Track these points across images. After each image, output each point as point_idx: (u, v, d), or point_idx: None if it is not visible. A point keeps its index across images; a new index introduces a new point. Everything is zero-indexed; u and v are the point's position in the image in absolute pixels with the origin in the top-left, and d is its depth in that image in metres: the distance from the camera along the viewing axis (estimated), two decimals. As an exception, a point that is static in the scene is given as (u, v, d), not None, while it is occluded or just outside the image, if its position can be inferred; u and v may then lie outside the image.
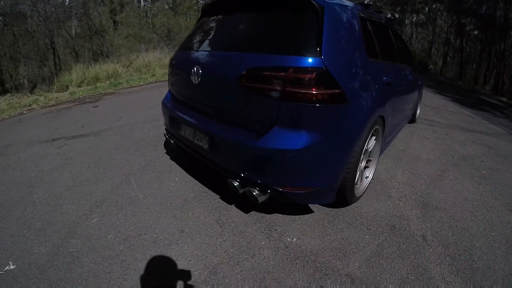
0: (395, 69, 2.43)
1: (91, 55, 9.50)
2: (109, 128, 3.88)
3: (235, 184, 1.75)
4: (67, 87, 6.53)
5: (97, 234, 1.82)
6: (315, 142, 1.52)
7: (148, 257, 1.65)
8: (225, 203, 2.16)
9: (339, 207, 2.04)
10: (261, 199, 1.63)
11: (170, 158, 2.87)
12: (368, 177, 2.19)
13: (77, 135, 3.70)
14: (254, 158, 1.61)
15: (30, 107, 5.07)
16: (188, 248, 1.72)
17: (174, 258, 1.65)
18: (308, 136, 1.48)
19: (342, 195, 1.92)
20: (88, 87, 6.68)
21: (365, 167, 2.11)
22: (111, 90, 6.60)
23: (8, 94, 6.01)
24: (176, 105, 2.19)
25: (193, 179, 2.48)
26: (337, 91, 1.49)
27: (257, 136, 1.56)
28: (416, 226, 1.89)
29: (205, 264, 1.56)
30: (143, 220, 1.95)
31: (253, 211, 2.06)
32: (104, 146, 3.28)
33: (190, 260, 1.64)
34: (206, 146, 1.84)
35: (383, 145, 2.30)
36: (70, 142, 3.48)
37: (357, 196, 2.12)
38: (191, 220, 1.97)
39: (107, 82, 7.16)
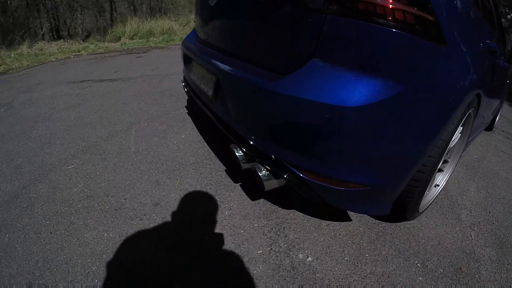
0: (496, 41, 1.87)
1: (148, 10, 10.05)
2: (140, 76, 3.87)
3: (237, 154, 1.29)
4: (119, 38, 7.05)
5: (64, 184, 1.69)
6: (384, 102, 0.89)
7: (100, 228, 1.35)
8: (229, 179, 1.68)
9: (390, 221, 1.50)
10: (270, 185, 1.16)
11: (187, 113, 2.56)
12: (438, 185, 1.70)
13: (105, 79, 3.80)
14: (269, 114, 1.08)
15: (78, 53, 5.56)
16: (152, 231, 1.32)
17: (126, 239, 1.29)
18: (373, 87, 0.89)
19: (402, 207, 1.25)
20: (140, 40, 7.04)
21: (439, 170, 1.59)
22: (162, 45, 6.81)
23: (61, 40, 6.77)
24: (193, 41, 1.96)
25: (202, 140, 2.08)
26: (430, 18, 0.91)
27: (280, 77, 1.04)
28: (489, 275, 1.32)
29: (160, 268, 1.12)
30: (119, 178, 1.67)
31: (262, 200, 1.52)
32: (126, 91, 3.26)
33: (143, 251, 1.22)
34: (210, 93, 1.50)
35: (466, 143, 1.81)
36: (95, 84, 3.59)
37: (419, 210, 1.43)
38: (174, 191, 1.58)
39: (160, 37, 7.42)
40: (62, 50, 5.66)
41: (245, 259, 1.20)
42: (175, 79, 3.76)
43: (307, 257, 1.23)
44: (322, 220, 1.41)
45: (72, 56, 5.47)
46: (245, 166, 1.27)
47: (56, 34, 8.76)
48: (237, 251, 1.23)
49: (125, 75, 4.00)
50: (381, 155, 0.98)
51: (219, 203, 1.50)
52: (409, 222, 1.49)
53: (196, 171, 1.75)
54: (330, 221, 1.41)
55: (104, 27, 8.95)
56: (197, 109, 2.67)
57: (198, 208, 1.46)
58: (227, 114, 1.38)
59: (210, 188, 1.60)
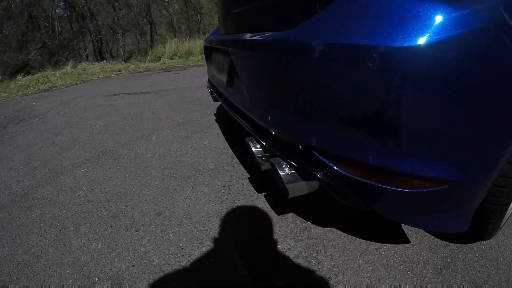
0: None
1: (187, 31, 10.81)
2: (173, 89, 3.98)
3: (254, 150, 1.10)
4: (159, 58, 7.56)
5: (71, 187, 1.68)
6: (474, 32, 0.58)
7: (90, 236, 1.23)
8: (252, 188, 1.46)
9: (459, 242, 1.10)
10: (295, 190, 0.90)
11: (215, 120, 2.45)
12: None
13: (138, 92, 3.98)
14: (287, 79, 0.84)
15: (119, 72, 6.04)
16: (145, 246, 1.13)
17: (114, 251, 1.12)
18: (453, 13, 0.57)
19: (483, 219, 0.88)
20: (180, 60, 7.48)
21: None
22: (200, 63, 7.12)
23: (104, 61, 7.45)
24: (214, 35, 1.95)
25: (227, 146, 1.93)
26: None
27: (298, 21, 0.80)
28: None
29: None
30: (127, 184, 1.59)
31: (290, 214, 1.26)
32: (156, 102, 3.35)
33: (133, 265, 1.04)
34: (225, 79, 1.40)
35: None
36: (128, 97, 3.77)
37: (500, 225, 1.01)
38: (183, 200, 1.40)
39: (199, 56, 7.81)
40: (104, 69, 6.20)
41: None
42: (207, 90, 3.77)
43: (349, 292, 0.92)
44: (369, 242, 1.08)
45: (113, 75, 5.94)
46: (264, 165, 1.06)
47: (99, 56, 9.85)
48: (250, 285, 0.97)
49: (158, 88, 4.17)
50: (466, 132, 0.66)
51: (235, 216, 1.28)
52: (484, 242, 1.09)
53: (214, 179, 1.56)
54: (380, 244, 1.08)
55: (144, 48, 9.82)
56: (225, 113, 2.60)
57: (206, 222, 1.25)
58: (242, 98, 1.20)
59: (227, 198, 1.39)
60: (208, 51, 1.89)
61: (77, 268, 1.04)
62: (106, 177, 1.69)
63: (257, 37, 0.97)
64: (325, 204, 1.30)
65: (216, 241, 1.14)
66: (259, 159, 1.05)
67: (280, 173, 0.88)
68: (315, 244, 1.09)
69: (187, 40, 8.87)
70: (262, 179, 1.52)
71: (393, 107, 0.61)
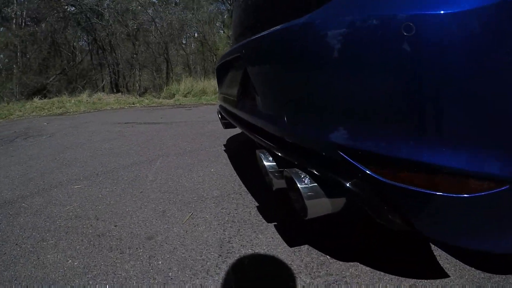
0: None
1: (202, 71, 11.30)
2: (184, 121, 4.00)
3: (266, 163, 0.98)
4: (174, 95, 7.78)
5: (61, 201, 1.59)
6: None
7: (68, 253, 1.09)
8: (260, 217, 1.31)
9: (503, 272, 0.92)
10: (316, 208, 0.78)
11: (224, 150, 2.37)
12: None
13: (149, 122, 4.00)
14: (307, 70, 0.74)
15: (132, 105, 6.20)
16: (126, 272, 0.98)
17: (89, 274, 0.97)
18: None
19: None
20: (194, 98, 7.70)
21: None
22: (214, 102, 7.30)
23: (119, 94, 7.71)
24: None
25: (234, 174, 1.82)
26: None
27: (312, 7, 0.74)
28: None
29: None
30: (121, 204, 1.48)
31: (305, 246, 1.10)
32: (165, 132, 3.34)
33: None
34: (236, 92, 1.35)
35: None
36: (138, 126, 3.77)
37: None
38: (180, 226, 1.26)
39: (213, 96, 8.04)
40: (119, 101, 6.39)
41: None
42: (218, 123, 3.74)
43: None
44: (402, 279, 0.90)
45: (126, 107, 6.10)
46: (278, 182, 0.93)
47: (115, 88, 10.26)
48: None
49: (169, 120, 4.21)
50: None
51: (238, 247, 1.12)
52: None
53: (218, 206, 1.43)
54: (414, 280, 0.90)
55: (160, 84, 10.24)
56: (236, 143, 2.56)
57: (204, 250, 1.09)
58: (255, 108, 1.11)
59: (231, 227, 1.24)
60: (220, 70, 1.86)
61: (45, 285, 0.89)
62: (100, 195, 1.58)
63: (273, 30, 0.89)
64: (347, 234, 1.15)
65: (213, 273, 0.96)
66: (271, 175, 0.93)
67: (299, 185, 0.75)
68: (336, 281, 0.91)
69: (202, 80, 9.24)
70: (272, 207, 1.38)
71: (447, 84, 0.51)
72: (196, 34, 11.76)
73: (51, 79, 9.82)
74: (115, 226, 1.26)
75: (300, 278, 0.93)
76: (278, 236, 1.16)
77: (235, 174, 1.84)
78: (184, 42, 11.84)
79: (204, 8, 11.49)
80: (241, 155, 2.27)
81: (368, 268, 0.95)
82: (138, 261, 1.02)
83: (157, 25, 10.32)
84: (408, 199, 0.61)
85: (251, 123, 1.22)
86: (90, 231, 1.22)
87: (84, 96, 6.91)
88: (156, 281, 0.92)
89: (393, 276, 0.91)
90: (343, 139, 0.68)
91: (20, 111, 5.01)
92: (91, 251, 1.07)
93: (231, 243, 1.12)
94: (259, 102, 1.06)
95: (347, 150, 0.66)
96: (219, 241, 1.14)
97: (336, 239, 1.12)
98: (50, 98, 7.11)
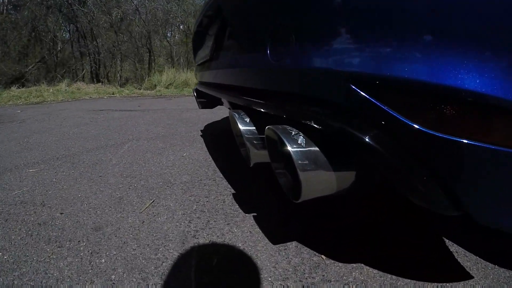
0: None
1: (185, 62, 10.96)
2: (161, 109, 3.86)
3: (240, 126, 0.77)
4: (155, 86, 7.54)
5: (11, 185, 1.44)
6: None
7: (1, 245, 0.97)
8: (236, 206, 1.17)
9: None
10: (314, 185, 0.55)
11: (201, 135, 2.23)
12: None
13: (124, 109, 3.85)
14: None
15: (112, 95, 6.00)
16: (60, 271, 0.83)
17: (19, 271, 0.85)
18: None
19: None
20: (175, 89, 7.48)
21: None
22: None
23: (99, 84, 7.43)
24: None
25: (210, 159, 1.70)
26: None
27: None
28: None
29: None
30: (74, 189, 1.36)
31: (293, 243, 0.92)
32: (140, 118, 3.20)
33: None
34: (209, 50, 1.27)
35: None
36: (113, 112, 3.65)
37: None
38: (137, 215, 1.12)
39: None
40: (98, 91, 6.15)
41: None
42: (197, 111, 3.58)
43: None
44: (419, 283, 0.74)
45: (105, 97, 5.86)
46: (257, 153, 0.72)
47: (96, 78, 9.87)
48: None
49: (147, 108, 4.05)
50: None
51: (206, 244, 0.98)
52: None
53: (186, 193, 1.29)
54: (433, 284, 0.74)
55: (141, 75, 9.91)
56: (214, 129, 2.46)
57: (161, 247, 0.90)
58: (232, 59, 0.97)
59: (199, 217, 1.09)
60: (196, 34, 1.72)
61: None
62: (54, 179, 1.43)
63: None
64: (346, 226, 0.98)
65: (168, 280, 0.77)
66: (248, 142, 0.72)
67: (289, 147, 0.53)
68: None
69: (185, 71, 8.98)
70: (252, 195, 1.24)
71: None
72: (181, 27, 11.37)
73: (29, 67, 9.36)
74: (61, 213, 1.11)
75: (287, 283, 0.75)
76: (258, 230, 0.98)
77: (210, 159, 1.71)
78: (168, 35, 11.46)
79: (190, -1, 11.14)
80: (218, 140, 2.14)
81: (375, 271, 0.79)
82: (76, 258, 0.85)
83: (141, 14, 9.93)
84: (479, 167, 0.40)
85: (227, 84, 1.08)
86: (32, 218, 1.07)
87: (63, 86, 6.62)
88: (94, 286, 0.74)
89: (408, 280, 0.76)
90: (360, 63, 0.44)
91: (-5, 99, 4.74)
92: (27, 243, 0.93)
93: (197, 238, 0.94)
94: (237, 46, 0.90)
95: (366, 82, 0.44)
96: (182, 235, 0.96)
97: (333, 233, 0.96)
98: (28, 87, 6.76)
